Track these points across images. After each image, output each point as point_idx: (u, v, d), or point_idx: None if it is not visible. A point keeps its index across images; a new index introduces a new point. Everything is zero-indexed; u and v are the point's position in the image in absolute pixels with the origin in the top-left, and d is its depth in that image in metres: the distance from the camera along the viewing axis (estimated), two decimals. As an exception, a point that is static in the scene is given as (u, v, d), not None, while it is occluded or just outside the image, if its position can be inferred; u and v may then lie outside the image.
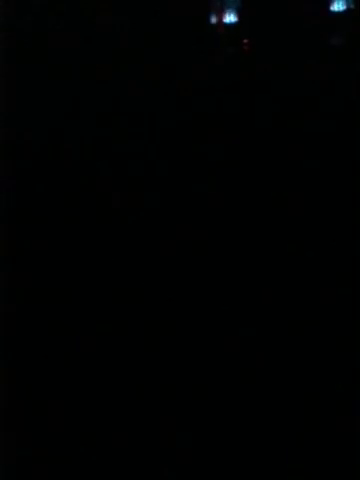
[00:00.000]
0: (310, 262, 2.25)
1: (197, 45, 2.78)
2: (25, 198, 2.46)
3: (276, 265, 2.26)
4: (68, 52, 2.72)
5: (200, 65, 2.75)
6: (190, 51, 2.76)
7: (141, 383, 2.00)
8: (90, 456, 1.85)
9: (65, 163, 2.55)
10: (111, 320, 2.16)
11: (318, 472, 1.77)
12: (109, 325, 2.15)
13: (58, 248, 2.35)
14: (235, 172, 2.52)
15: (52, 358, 2.07)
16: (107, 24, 2.76)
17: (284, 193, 2.46)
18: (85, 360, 2.06)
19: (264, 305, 2.18)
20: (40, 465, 1.81)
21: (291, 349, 2.04)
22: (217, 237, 2.35)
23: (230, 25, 2.81)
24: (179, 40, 2.77)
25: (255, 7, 2.77)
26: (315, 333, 2.08)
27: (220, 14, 2.80)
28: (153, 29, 2.75)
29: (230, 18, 2.80)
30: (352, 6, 2.68)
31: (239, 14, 2.79)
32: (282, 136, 2.55)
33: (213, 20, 2.82)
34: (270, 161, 2.58)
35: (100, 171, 2.54)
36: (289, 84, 2.71)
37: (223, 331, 2.12)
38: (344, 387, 1.91)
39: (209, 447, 1.86)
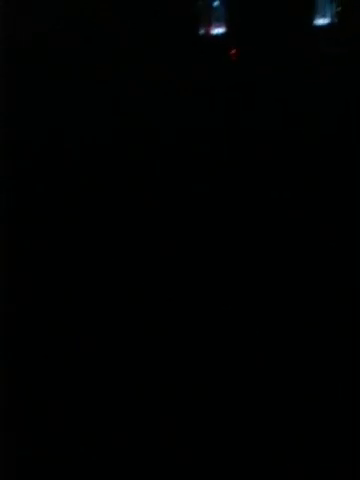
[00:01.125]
0: (309, 263, 2.27)
1: (186, 56, 2.84)
2: (25, 198, 2.45)
3: (275, 266, 2.28)
4: (68, 52, 2.74)
5: (189, 75, 2.81)
6: (179, 61, 2.82)
7: (141, 382, 1.99)
8: (90, 456, 1.83)
9: (65, 163, 2.55)
10: (111, 319, 2.15)
11: (318, 471, 1.77)
12: (109, 324, 2.14)
13: (58, 248, 2.34)
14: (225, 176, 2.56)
15: (52, 358, 2.05)
16: (102, 29, 2.81)
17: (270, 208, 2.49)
18: (85, 360, 2.04)
19: (264, 305, 2.19)
20: (40, 465, 1.79)
21: (291, 349, 2.05)
22: (217, 238, 2.37)
23: (217, 36, 2.88)
24: (168, 50, 2.82)
25: (242, 19, 2.85)
26: (315, 333, 2.09)
27: (208, 26, 2.87)
28: (143, 39, 2.81)
29: (218, 30, 2.88)
30: (336, 20, 2.77)
31: (226, 25, 2.87)
32: (269, 145, 2.61)
33: (201, 31, 2.89)
34: (255, 169, 2.63)
35: (100, 171, 2.55)
36: (275, 94, 2.78)
37: (223, 331, 2.12)
38: (344, 387, 1.92)
39: (209, 447, 1.85)
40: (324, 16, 2.78)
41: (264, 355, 2.06)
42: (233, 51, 2.87)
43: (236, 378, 2.01)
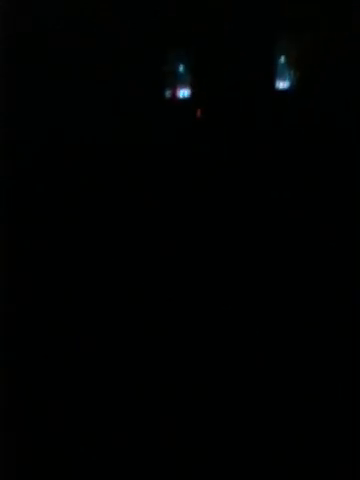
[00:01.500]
0: (309, 263, 2.28)
1: (153, 117, 2.93)
2: (25, 198, 2.43)
3: (275, 266, 2.29)
4: (68, 52, 2.74)
5: (155, 137, 2.90)
6: (146, 125, 2.90)
7: (141, 382, 1.97)
8: (90, 455, 1.81)
9: (64, 162, 2.54)
10: (111, 319, 2.14)
11: (318, 471, 1.75)
12: (109, 324, 2.13)
13: (57, 248, 2.33)
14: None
15: (52, 357, 2.03)
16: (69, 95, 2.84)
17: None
18: (85, 359, 2.02)
19: (264, 304, 2.19)
20: (40, 464, 1.76)
21: (290, 348, 2.05)
22: (216, 239, 2.39)
23: (183, 99, 2.98)
24: (133, 113, 2.91)
25: (206, 82, 2.95)
26: (314, 333, 2.09)
27: (174, 88, 2.97)
28: (108, 101, 2.88)
29: (183, 92, 2.97)
30: (295, 84, 2.89)
31: (191, 88, 2.96)
32: (232, 207, 2.68)
33: (167, 94, 2.98)
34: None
35: (99, 171, 2.55)
36: (241, 155, 2.88)
37: (223, 331, 2.12)
38: (344, 386, 1.92)
39: (209, 447, 1.82)
40: (284, 79, 2.90)
41: (264, 354, 2.05)
42: (199, 112, 2.97)
43: (236, 378, 1.99)
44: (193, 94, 2.97)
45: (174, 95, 2.97)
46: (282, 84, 2.91)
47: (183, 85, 2.97)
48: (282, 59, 2.85)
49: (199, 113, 2.99)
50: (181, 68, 2.96)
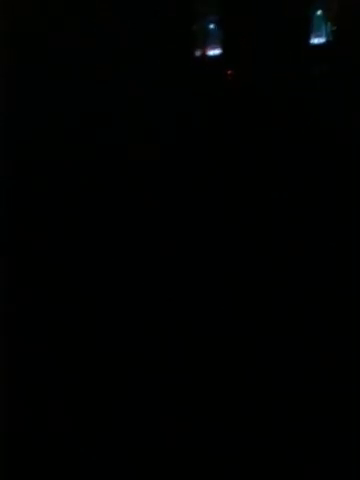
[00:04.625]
0: (310, 263, 2.24)
1: (183, 78, 2.84)
2: (25, 197, 2.41)
3: (276, 266, 2.25)
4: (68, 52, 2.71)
5: (186, 98, 2.82)
6: (176, 84, 2.82)
7: (141, 381, 1.96)
8: (90, 455, 1.80)
9: (64, 162, 2.52)
10: (110, 320, 2.12)
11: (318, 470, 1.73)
12: (108, 325, 2.11)
13: (57, 247, 2.31)
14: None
15: (52, 357, 2.02)
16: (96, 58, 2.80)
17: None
18: (84, 358, 2.01)
19: (263, 304, 2.15)
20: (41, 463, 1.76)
21: (290, 348, 2.02)
22: (216, 239, 2.35)
23: (214, 58, 2.88)
24: (164, 73, 2.83)
25: (238, 39, 2.85)
26: (314, 333, 2.06)
27: (204, 47, 2.88)
28: (137, 63, 2.81)
29: (214, 51, 2.88)
30: (331, 39, 2.77)
31: (222, 47, 2.87)
32: (266, 166, 2.60)
33: (197, 53, 2.89)
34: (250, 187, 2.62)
35: (99, 169, 2.52)
36: (273, 114, 2.78)
37: (222, 331, 2.09)
38: (343, 386, 1.89)
39: (209, 446, 1.81)
40: (320, 35, 2.78)
41: (263, 355, 2.03)
42: (229, 72, 2.87)
43: (235, 378, 1.98)
44: (224, 53, 2.87)
45: (204, 54, 2.87)
46: (317, 40, 2.79)
47: (214, 44, 2.87)
48: (319, 12, 2.73)
49: (230, 73, 2.89)
50: (211, 26, 2.86)
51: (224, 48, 2.86)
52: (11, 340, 2.02)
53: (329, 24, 2.74)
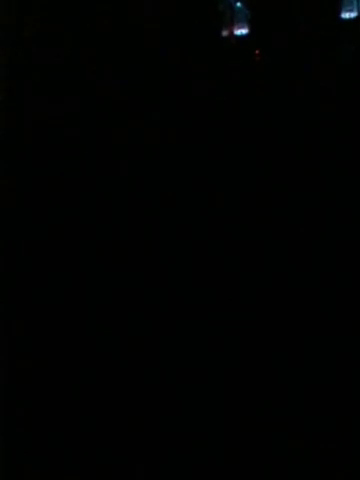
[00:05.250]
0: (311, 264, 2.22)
1: (208, 58, 2.80)
2: (25, 197, 2.45)
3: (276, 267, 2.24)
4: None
5: (212, 78, 2.78)
6: (201, 64, 2.78)
7: (141, 381, 1.98)
8: (91, 455, 1.85)
9: (64, 162, 2.54)
10: (110, 320, 2.15)
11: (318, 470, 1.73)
12: (109, 325, 2.14)
13: (57, 247, 2.34)
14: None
15: (52, 356, 2.07)
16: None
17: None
18: (84, 358, 2.05)
19: (264, 304, 2.15)
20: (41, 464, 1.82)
21: (290, 349, 2.01)
22: (217, 239, 2.34)
23: (241, 37, 2.82)
24: (190, 53, 2.79)
25: (265, 18, 2.78)
26: (315, 333, 2.04)
27: (231, 27, 2.82)
28: (163, 43, 2.78)
29: (241, 30, 2.81)
30: (363, 13, 2.65)
31: (250, 26, 2.80)
32: (290, 148, 2.54)
33: (224, 33, 2.83)
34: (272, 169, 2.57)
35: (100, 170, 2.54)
36: (302, 94, 2.70)
37: (223, 331, 2.10)
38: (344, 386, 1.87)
39: (208, 446, 1.83)
40: (351, 10, 2.66)
41: (263, 356, 2.03)
42: (257, 52, 2.80)
43: (236, 379, 1.98)
44: (251, 32, 2.80)
45: (231, 34, 2.81)
46: (348, 14, 2.68)
47: (240, 23, 2.80)
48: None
49: (258, 53, 2.82)
50: (238, 4, 2.79)
51: (251, 27, 2.79)
52: (11, 340, 2.08)
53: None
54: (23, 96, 2.59)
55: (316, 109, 2.61)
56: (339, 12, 2.69)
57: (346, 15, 2.69)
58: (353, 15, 2.68)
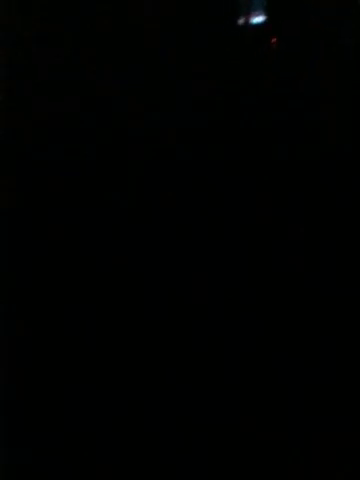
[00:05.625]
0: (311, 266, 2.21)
1: (225, 46, 2.77)
2: (25, 197, 2.43)
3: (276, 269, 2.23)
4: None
5: (229, 66, 2.75)
6: (218, 52, 2.75)
7: (141, 381, 1.98)
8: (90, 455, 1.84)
9: (64, 162, 2.52)
10: (110, 321, 2.14)
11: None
12: (108, 325, 2.13)
13: (57, 247, 2.33)
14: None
15: (52, 356, 2.06)
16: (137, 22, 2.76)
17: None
18: (85, 358, 2.05)
19: (263, 304, 2.14)
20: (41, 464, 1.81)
21: (290, 350, 2.01)
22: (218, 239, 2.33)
23: (257, 25, 2.79)
24: (206, 42, 2.76)
25: (282, 6, 2.75)
26: (314, 335, 2.04)
27: (247, 15, 2.79)
28: (179, 31, 2.75)
29: (257, 18, 2.78)
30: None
31: (266, 14, 2.77)
32: (305, 137, 2.52)
33: (240, 21, 2.80)
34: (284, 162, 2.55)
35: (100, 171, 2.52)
36: (320, 84, 2.67)
37: (222, 333, 2.09)
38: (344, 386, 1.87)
39: (208, 446, 1.83)
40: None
41: (264, 356, 2.02)
42: (274, 40, 2.77)
43: (236, 379, 1.98)
44: (268, 20, 2.77)
45: (247, 22, 2.78)
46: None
47: (257, 11, 2.77)
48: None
49: (275, 41, 2.79)
50: (255, -8, 2.76)
51: (269, 15, 2.76)
52: (11, 340, 2.07)
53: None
54: (23, 96, 2.57)
55: (339, 103, 2.58)
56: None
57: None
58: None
